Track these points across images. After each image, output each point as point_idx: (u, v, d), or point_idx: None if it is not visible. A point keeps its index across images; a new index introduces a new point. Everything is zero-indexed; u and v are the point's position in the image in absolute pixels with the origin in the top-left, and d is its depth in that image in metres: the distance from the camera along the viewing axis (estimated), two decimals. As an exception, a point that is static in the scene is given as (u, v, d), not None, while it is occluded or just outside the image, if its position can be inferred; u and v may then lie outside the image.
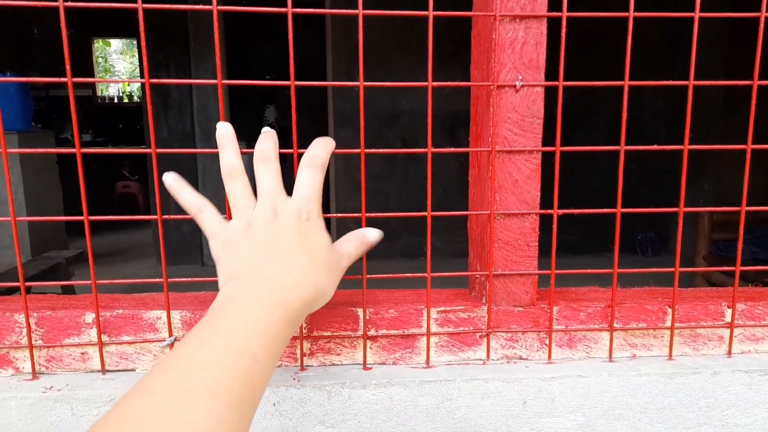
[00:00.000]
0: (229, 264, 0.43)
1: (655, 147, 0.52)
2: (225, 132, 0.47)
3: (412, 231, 3.74)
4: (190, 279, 0.52)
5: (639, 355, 0.56)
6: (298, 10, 0.46)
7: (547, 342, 0.55)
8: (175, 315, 0.51)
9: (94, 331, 0.50)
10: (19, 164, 3.53)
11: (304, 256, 0.43)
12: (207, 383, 0.32)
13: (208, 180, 3.93)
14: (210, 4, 0.47)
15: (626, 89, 0.50)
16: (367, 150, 0.50)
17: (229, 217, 0.46)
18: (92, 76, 6.17)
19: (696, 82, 0.51)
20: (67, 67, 0.45)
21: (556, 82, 0.50)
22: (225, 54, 3.84)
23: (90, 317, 0.50)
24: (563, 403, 0.52)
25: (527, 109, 0.50)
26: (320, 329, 0.53)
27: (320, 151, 0.47)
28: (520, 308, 0.54)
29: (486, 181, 0.53)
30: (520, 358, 0.55)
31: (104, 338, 0.51)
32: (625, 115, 0.51)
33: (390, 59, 3.26)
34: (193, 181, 3.94)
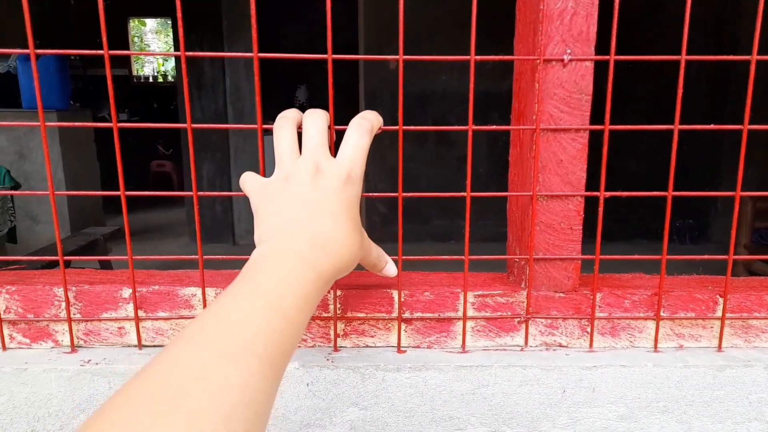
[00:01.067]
0: (267, 218, 0.42)
1: (712, 126, 0.49)
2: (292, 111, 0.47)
3: (441, 214, 3.71)
4: (224, 257, 0.51)
5: (686, 345, 0.53)
6: (337, -21, 0.44)
7: (588, 329, 0.53)
8: (210, 292, 0.51)
9: (130, 306, 0.51)
10: (58, 142, 3.62)
11: (346, 222, 0.41)
12: (246, 341, 0.32)
13: (240, 159, 3.96)
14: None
15: (683, 63, 0.47)
16: (405, 127, 0.48)
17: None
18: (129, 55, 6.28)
19: (759, 57, 0.47)
20: (104, 39, 0.45)
21: (607, 56, 0.47)
22: (256, 31, 3.84)
23: (127, 292, 0.50)
24: (605, 393, 0.50)
25: (575, 84, 0.48)
26: (354, 310, 0.52)
27: (371, 116, 0.46)
28: (561, 294, 0.52)
29: (528, 161, 0.51)
30: (560, 345, 0.53)
31: (140, 314, 0.51)
32: (680, 92, 0.47)
33: (422, 38, 3.21)
34: (225, 161, 3.98)
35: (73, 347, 0.51)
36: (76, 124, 0.48)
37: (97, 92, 5.36)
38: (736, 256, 0.51)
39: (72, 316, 0.50)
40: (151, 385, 0.29)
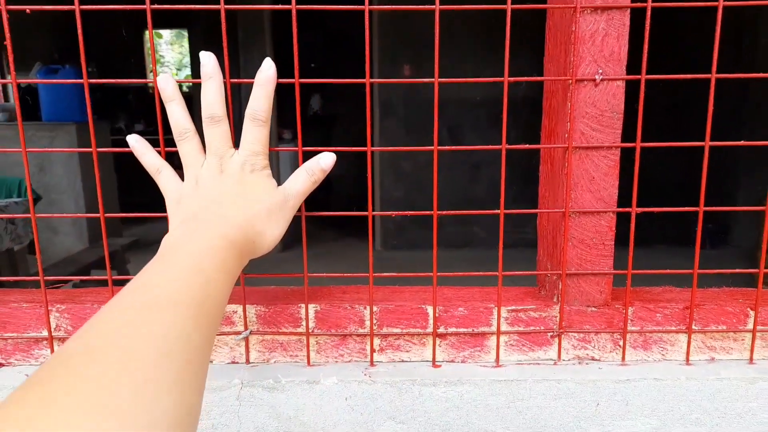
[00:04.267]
0: (177, 216, 0.46)
1: (743, 143, 0.50)
2: (166, 86, 0.48)
3: (456, 220, 3.71)
4: (264, 274, 0.53)
5: (718, 358, 0.54)
6: (376, 7, 0.46)
7: (620, 343, 0.53)
8: (250, 309, 0.53)
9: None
10: (77, 155, 3.68)
11: (246, 204, 0.45)
12: (168, 297, 0.34)
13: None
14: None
15: (713, 81, 0.48)
16: (440, 147, 0.50)
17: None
18: (144, 66, 6.35)
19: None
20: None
21: (639, 76, 0.48)
22: (270, 40, 3.87)
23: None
24: (638, 406, 0.51)
25: (607, 103, 0.49)
26: (390, 326, 0.53)
27: (261, 103, 0.48)
28: (594, 308, 0.53)
29: (560, 177, 0.52)
30: (593, 359, 0.54)
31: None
32: (711, 108, 0.48)
33: (432, 46, 3.22)
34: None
35: (120, 363, 0.53)
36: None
37: (115, 103, 5.44)
38: (767, 269, 0.52)
39: (118, 333, 0.52)
40: (78, 341, 0.30)
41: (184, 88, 6.68)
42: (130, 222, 4.35)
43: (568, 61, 0.49)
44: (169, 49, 8.37)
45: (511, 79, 0.48)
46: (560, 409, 0.51)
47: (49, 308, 0.52)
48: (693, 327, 0.53)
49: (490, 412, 0.51)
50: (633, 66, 0.48)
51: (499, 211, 0.51)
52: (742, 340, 0.54)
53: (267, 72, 0.48)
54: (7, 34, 0.46)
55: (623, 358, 0.53)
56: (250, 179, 0.47)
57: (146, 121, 5.97)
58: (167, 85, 0.48)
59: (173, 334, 0.31)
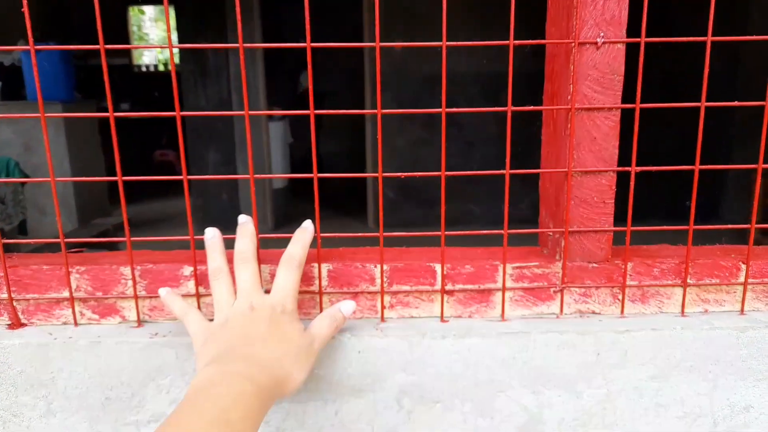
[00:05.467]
0: (206, 355, 0.46)
1: (737, 103, 0.52)
2: (212, 237, 0.52)
3: (449, 198, 3.72)
4: (276, 235, 0.55)
5: (711, 310, 0.57)
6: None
7: (620, 297, 0.56)
8: (264, 269, 0.54)
9: (191, 283, 0.54)
10: (64, 134, 3.63)
11: (276, 344, 0.46)
12: None
13: (245, 145, 3.98)
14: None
15: (708, 45, 0.50)
16: (448, 110, 0.51)
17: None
18: (129, 44, 6.24)
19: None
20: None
21: (639, 39, 0.50)
22: (259, 18, 3.82)
23: (188, 270, 0.54)
24: (636, 355, 0.54)
25: (608, 66, 0.51)
26: (400, 284, 0.55)
27: (297, 249, 0.51)
28: (594, 264, 0.55)
29: (562, 139, 0.54)
30: (593, 312, 0.57)
31: (201, 290, 0.54)
32: (707, 71, 0.50)
33: (430, 20, 3.21)
34: (231, 150, 4.00)
35: (140, 322, 0.54)
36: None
37: (101, 82, 5.34)
38: (758, 225, 0.54)
39: (137, 293, 0.54)
40: None
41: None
42: (118, 202, 4.32)
43: (570, 25, 0.51)
44: (153, 26, 8.21)
45: (517, 42, 0.50)
46: (563, 359, 0.54)
47: (70, 270, 0.53)
48: (688, 281, 0.56)
49: (497, 363, 0.54)
50: (632, 31, 0.50)
51: (504, 171, 0.53)
52: (734, 292, 0.56)
53: (308, 228, 0.53)
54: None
55: (622, 311, 0.56)
56: (280, 319, 0.48)
57: (132, 101, 5.89)
58: (213, 235, 0.52)
59: None
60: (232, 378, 0.42)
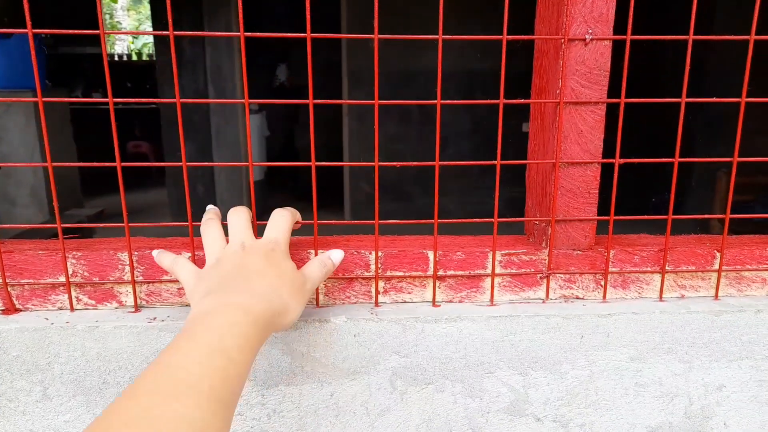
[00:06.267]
0: (198, 292, 0.46)
1: (714, 99, 0.55)
2: (212, 207, 0.55)
3: (425, 193, 3.77)
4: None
5: (687, 295, 0.60)
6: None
7: (602, 283, 0.59)
8: (262, 255, 0.55)
9: (188, 269, 0.55)
10: (34, 123, 3.54)
11: (270, 276, 0.47)
12: (189, 381, 0.35)
13: (222, 140, 3.94)
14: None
15: (690, 43, 0.53)
16: (442, 101, 0.53)
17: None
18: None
19: (757, 37, 0.53)
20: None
21: (625, 36, 0.52)
22: (235, 8, 3.78)
23: (185, 256, 0.54)
24: (617, 338, 0.56)
25: (595, 62, 0.53)
26: (393, 270, 0.57)
27: (288, 209, 0.54)
28: (579, 252, 0.58)
29: (550, 131, 0.56)
30: (577, 297, 0.59)
31: (198, 275, 0.55)
32: (687, 68, 0.53)
33: (408, 14, 3.23)
34: (207, 142, 3.95)
35: (137, 307, 0.55)
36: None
37: (71, 71, 5.23)
38: (732, 215, 0.58)
39: (135, 278, 0.54)
40: (102, 429, 0.31)
41: (144, 57, 6.46)
42: (93, 193, 4.24)
43: (560, 22, 0.53)
44: (125, 15, 8.04)
45: (509, 37, 0.52)
46: (549, 342, 0.56)
47: (66, 255, 0.53)
48: (666, 268, 0.59)
49: (486, 345, 0.56)
50: (618, 28, 0.52)
51: (496, 162, 0.55)
52: (709, 279, 0.60)
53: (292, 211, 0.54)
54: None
55: (604, 296, 0.59)
56: (275, 255, 0.49)
57: (103, 90, 5.76)
58: (214, 206, 0.55)
59: (194, 423, 0.33)
60: (228, 308, 0.42)
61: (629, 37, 0.52)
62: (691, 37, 0.53)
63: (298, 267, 0.50)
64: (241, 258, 0.47)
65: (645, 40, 0.54)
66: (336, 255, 0.53)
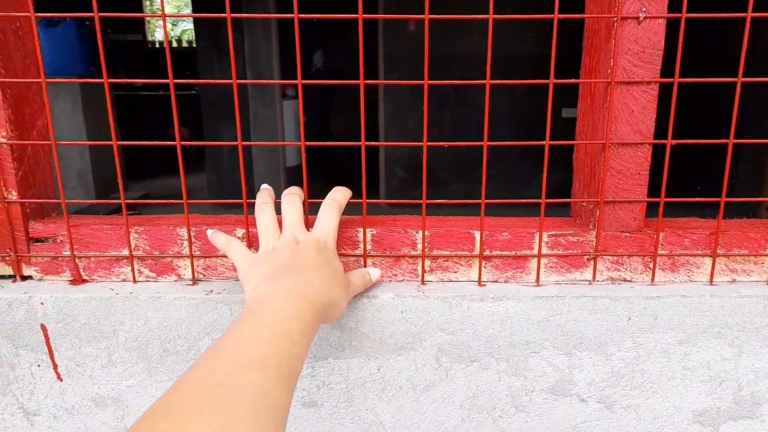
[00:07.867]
0: (256, 276, 0.49)
1: (773, 79, 0.54)
2: (266, 186, 0.58)
3: (458, 179, 3.75)
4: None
5: (739, 279, 0.59)
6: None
7: (651, 266, 0.58)
8: (313, 232, 0.57)
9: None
10: (81, 110, 3.67)
11: (326, 272, 0.49)
12: (260, 357, 0.38)
13: (260, 125, 4.00)
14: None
15: (748, 20, 0.51)
16: (492, 81, 0.53)
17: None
18: (143, 18, 6.23)
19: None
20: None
21: (680, 14, 0.51)
22: (274, -3, 3.81)
23: (240, 232, 0.56)
24: (666, 321, 0.56)
25: (648, 40, 0.52)
26: (440, 249, 0.58)
27: (339, 195, 0.56)
28: (627, 234, 0.58)
29: (600, 111, 0.56)
30: (624, 280, 0.59)
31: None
32: (745, 47, 0.52)
33: None
34: (245, 128, 4.02)
35: (195, 280, 0.57)
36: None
37: (115, 58, 5.36)
38: (788, 198, 0.56)
39: (193, 253, 0.57)
40: (185, 392, 0.35)
41: (184, 44, 6.55)
42: (136, 177, 4.38)
43: (612, 0, 0.52)
44: (166, 1, 8.19)
45: (560, 15, 0.52)
46: (595, 323, 0.56)
47: (129, 230, 0.56)
48: (717, 251, 0.58)
49: (532, 325, 0.56)
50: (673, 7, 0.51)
51: (544, 143, 0.55)
52: (762, 263, 0.59)
53: (346, 189, 0.57)
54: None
55: (653, 279, 0.58)
56: (326, 255, 0.52)
57: (145, 77, 5.90)
58: (267, 186, 0.58)
59: (263, 395, 0.36)
60: (291, 293, 0.45)
61: (684, 15, 0.51)
62: (749, 14, 0.51)
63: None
64: (296, 252, 0.50)
65: (699, 17, 0.53)
66: (374, 272, 0.57)
